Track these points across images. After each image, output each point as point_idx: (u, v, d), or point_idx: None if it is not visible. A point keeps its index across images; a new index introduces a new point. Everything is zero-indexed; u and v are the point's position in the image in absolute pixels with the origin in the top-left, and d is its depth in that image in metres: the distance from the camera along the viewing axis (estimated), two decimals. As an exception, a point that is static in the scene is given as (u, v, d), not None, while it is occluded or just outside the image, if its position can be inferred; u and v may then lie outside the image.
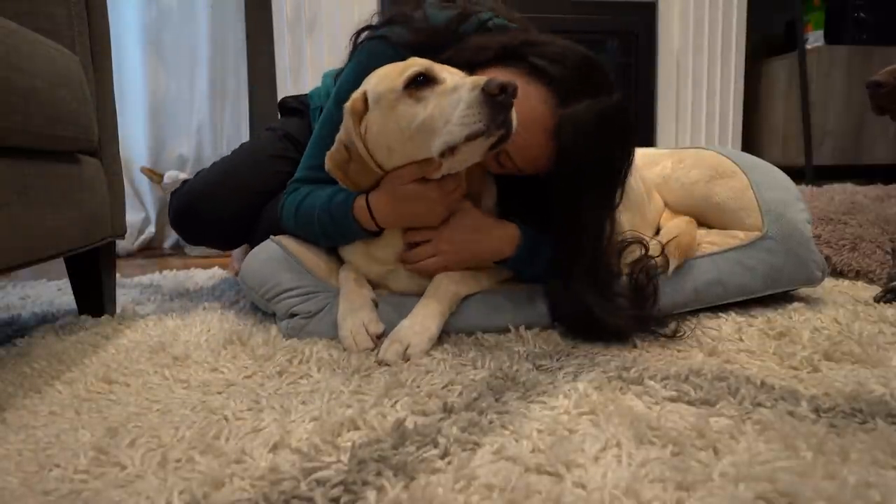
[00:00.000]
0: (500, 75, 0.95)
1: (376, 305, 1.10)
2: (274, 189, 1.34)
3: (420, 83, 0.98)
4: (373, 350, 1.01)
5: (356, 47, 1.21)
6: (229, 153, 1.58)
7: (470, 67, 1.06)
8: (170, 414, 0.77)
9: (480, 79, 0.92)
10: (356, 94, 1.04)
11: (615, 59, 3.22)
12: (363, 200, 1.08)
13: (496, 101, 0.91)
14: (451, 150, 0.95)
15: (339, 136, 1.06)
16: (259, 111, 3.07)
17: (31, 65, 0.96)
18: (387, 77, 1.01)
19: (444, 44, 1.11)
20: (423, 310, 1.04)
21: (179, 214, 1.44)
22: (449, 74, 0.99)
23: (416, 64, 0.99)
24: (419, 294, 1.10)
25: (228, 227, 1.42)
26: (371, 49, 1.17)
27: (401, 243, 1.13)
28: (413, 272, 1.13)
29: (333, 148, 1.07)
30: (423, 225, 1.11)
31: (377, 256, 1.15)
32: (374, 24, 1.22)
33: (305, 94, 1.57)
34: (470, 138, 0.93)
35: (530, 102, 1.00)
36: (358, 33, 1.22)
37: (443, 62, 1.03)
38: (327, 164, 1.07)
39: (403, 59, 1.07)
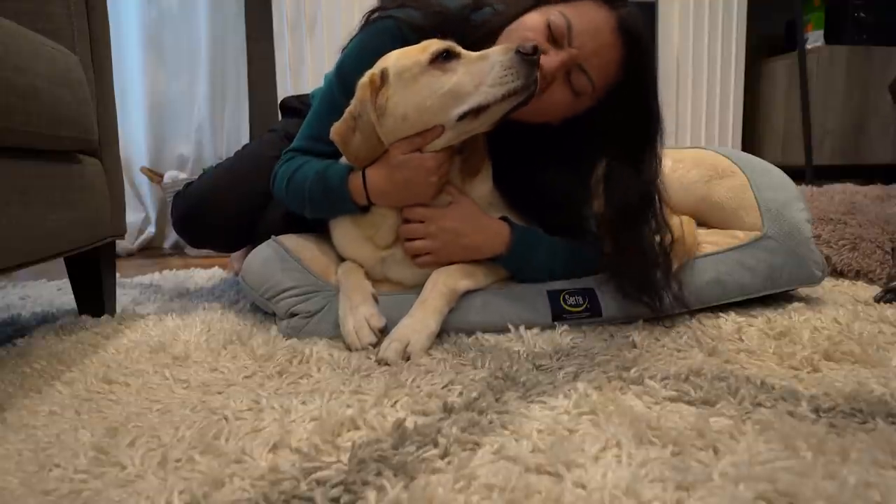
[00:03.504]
0: (546, 14, 1.07)
1: (376, 301, 1.10)
2: None
3: (445, 58, 1.04)
4: (376, 345, 1.01)
5: (366, 24, 1.22)
6: (231, 155, 1.59)
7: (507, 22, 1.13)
8: (170, 414, 0.77)
9: (510, 45, 1.01)
10: (374, 70, 1.07)
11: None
12: (360, 173, 1.10)
13: (531, 61, 0.99)
14: (475, 113, 1.02)
15: (350, 108, 1.08)
16: (259, 111, 3.07)
17: (32, 65, 0.96)
18: (408, 54, 1.07)
19: (453, 30, 1.13)
20: (422, 307, 1.04)
21: (183, 219, 1.45)
22: (468, 52, 1.05)
23: (437, 43, 1.05)
24: (416, 286, 1.10)
25: (232, 230, 1.42)
26: (378, 27, 1.19)
27: (397, 223, 1.14)
28: (407, 252, 1.14)
29: (341, 120, 1.09)
30: (414, 200, 1.11)
31: (374, 239, 1.16)
32: (389, 5, 1.23)
33: (307, 94, 1.57)
34: (507, 96, 1.00)
35: (589, 12, 1.07)
36: (373, 11, 1.23)
37: (476, 28, 1.14)
38: (332, 133, 1.10)
39: (406, 39, 1.13)
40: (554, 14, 1.06)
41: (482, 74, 1.01)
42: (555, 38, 1.06)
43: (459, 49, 1.05)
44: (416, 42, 1.12)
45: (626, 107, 1.12)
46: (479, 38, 1.12)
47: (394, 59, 1.08)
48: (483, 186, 1.18)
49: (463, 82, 1.02)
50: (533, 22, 1.09)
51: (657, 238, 1.13)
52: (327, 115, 1.16)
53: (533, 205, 1.20)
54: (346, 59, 1.20)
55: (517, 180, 1.19)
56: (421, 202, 1.12)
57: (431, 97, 1.03)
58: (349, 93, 1.10)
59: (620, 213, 1.12)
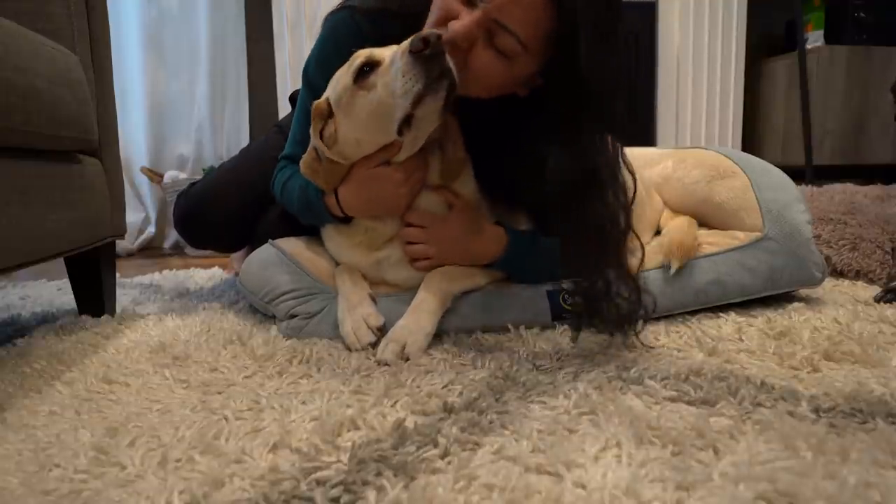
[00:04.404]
0: None
1: (374, 301, 1.10)
2: None
3: (366, 72, 0.98)
4: (375, 344, 1.01)
5: (325, 20, 1.20)
6: (237, 153, 1.59)
7: None
8: (170, 414, 0.77)
9: (405, 43, 0.92)
10: (319, 101, 1.06)
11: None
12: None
13: (426, 57, 0.89)
14: (407, 123, 0.97)
15: (312, 141, 1.08)
16: (259, 111, 3.07)
17: (32, 65, 0.96)
18: (339, 79, 1.04)
19: (410, 9, 1.10)
20: (417, 309, 1.04)
21: (184, 217, 1.45)
22: (389, 52, 0.98)
23: (359, 55, 1.01)
24: (414, 287, 1.10)
25: (233, 228, 1.42)
26: (332, 21, 1.17)
27: (392, 228, 1.13)
28: (406, 256, 1.14)
29: (307, 152, 1.10)
30: (387, 212, 1.12)
31: (367, 243, 1.16)
32: None
33: None
34: (416, 103, 0.93)
35: None
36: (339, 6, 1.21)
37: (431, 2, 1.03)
38: (302, 167, 1.10)
39: (360, 28, 1.10)
40: None
41: (394, 83, 0.93)
42: None
43: (379, 56, 0.98)
44: (371, 30, 1.10)
45: (575, 62, 0.91)
46: (424, 16, 1.06)
47: (331, 90, 1.06)
48: (465, 189, 1.16)
49: (381, 98, 0.96)
50: None
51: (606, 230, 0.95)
52: (304, 119, 1.17)
53: (518, 193, 1.18)
54: (310, 61, 1.19)
55: (499, 167, 1.15)
56: (395, 213, 1.11)
57: (370, 118, 0.99)
58: (316, 95, 1.10)
59: (553, 198, 0.98)
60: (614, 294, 0.94)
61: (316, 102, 1.07)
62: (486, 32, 0.95)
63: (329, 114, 1.06)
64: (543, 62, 0.98)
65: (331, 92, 1.06)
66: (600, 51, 0.92)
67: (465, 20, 0.94)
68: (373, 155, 1.05)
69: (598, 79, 0.92)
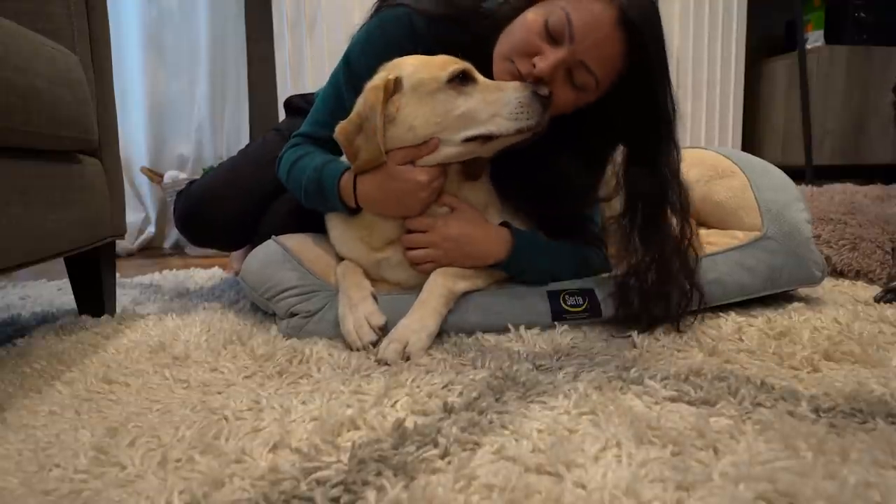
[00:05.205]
0: (547, 10, 1.03)
1: (376, 300, 1.10)
2: (278, 191, 1.34)
3: (462, 79, 1.05)
4: (377, 343, 1.01)
5: (377, 10, 1.21)
6: (235, 154, 1.59)
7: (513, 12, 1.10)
8: (170, 414, 0.77)
9: (527, 84, 1.03)
10: (389, 76, 1.06)
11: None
12: (352, 176, 1.10)
13: (543, 102, 1.02)
14: (483, 139, 1.04)
15: (357, 108, 1.08)
16: (259, 111, 3.07)
17: (32, 65, 0.96)
18: (427, 67, 1.06)
19: (465, 18, 1.14)
20: (421, 308, 1.04)
21: (184, 217, 1.45)
22: (482, 78, 1.07)
23: (459, 62, 1.06)
24: (415, 287, 1.10)
25: (232, 229, 1.42)
26: (388, 15, 1.19)
27: (392, 230, 1.14)
28: (409, 260, 1.14)
29: (347, 119, 1.09)
30: (402, 213, 1.12)
31: (367, 241, 1.16)
32: None
33: (311, 93, 1.57)
34: (519, 132, 1.03)
35: (590, 5, 1.03)
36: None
37: (485, 17, 1.12)
38: (337, 132, 1.09)
39: (415, 28, 1.14)
40: (555, 10, 1.03)
41: (498, 105, 1.03)
42: (553, 36, 1.04)
43: (477, 74, 1.07)
44: (428, 32, 1.12)
45: (630, 99, 1.08)
46: (487, 28, 1.11)
47: (411, 70, 1.06)
48: (481, 189, 1.18)
49: (478, 109, 1.03)
50: (533, 21, 1.05)
51: (674, 241, 1.09)
52: (333, 102, 1.18)
53: (533, 200, 1.19)
54: (355, 47, 1.20)
55: (519, 173, 1.17)
56: (408, 216, 1.12)
57: (444, 116, 1.04)
58: (355, 81, 1.10)
59: (631, 211, 1.11)
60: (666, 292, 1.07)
61: (383, 77, 1.06)
62: (567, 70, 1.05)
63: (392, 92, 1.06)
64: (603, 95, 1.09)
65: (406, 72, 1.06)
66: (665, 85, 1.07)
67: (550, 58, 1.04)
68: (406, 149, 1.06)
69: (665, 107, 1.07)
